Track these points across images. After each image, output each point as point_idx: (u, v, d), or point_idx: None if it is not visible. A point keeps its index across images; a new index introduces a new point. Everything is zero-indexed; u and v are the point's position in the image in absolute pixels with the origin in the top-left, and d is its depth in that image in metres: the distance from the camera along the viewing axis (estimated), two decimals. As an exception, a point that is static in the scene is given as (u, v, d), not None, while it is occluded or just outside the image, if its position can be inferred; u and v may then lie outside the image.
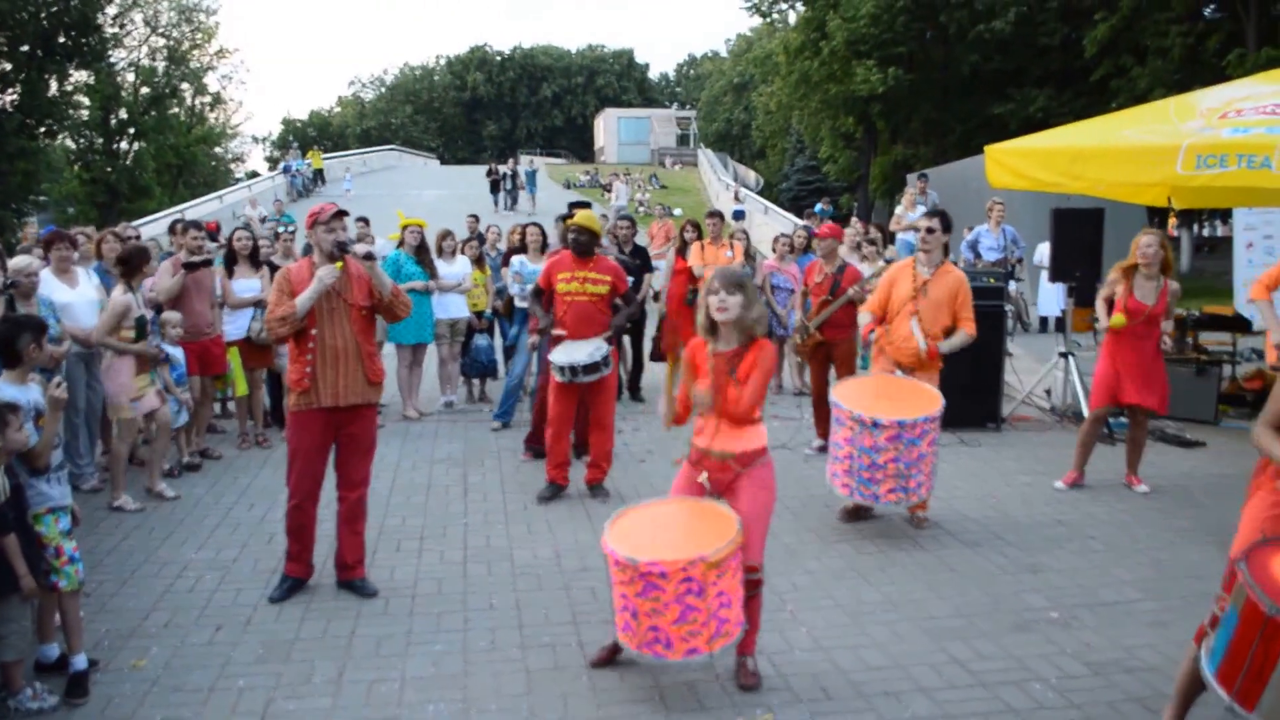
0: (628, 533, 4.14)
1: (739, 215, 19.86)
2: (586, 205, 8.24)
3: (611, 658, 4.45)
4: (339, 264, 5.08)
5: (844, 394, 6.16)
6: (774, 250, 11.03)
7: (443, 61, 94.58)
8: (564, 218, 8.65)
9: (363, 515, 5.41)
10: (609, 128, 69.22)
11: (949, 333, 6.51)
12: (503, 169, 36.42)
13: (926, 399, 6.07)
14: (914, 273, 6.55)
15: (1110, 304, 7.17)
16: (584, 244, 6.97)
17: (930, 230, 6.52)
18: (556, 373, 6.80)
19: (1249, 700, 3.00)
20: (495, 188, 34.72)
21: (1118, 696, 4.15)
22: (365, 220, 12.83)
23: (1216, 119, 7.78)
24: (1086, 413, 7.68)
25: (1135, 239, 7.16)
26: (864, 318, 6.83)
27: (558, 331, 6.98)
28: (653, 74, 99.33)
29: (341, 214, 5.23)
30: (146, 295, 7.16)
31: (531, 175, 36.66)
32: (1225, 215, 17.00)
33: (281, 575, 5.37)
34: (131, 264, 6.84)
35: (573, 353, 6.81)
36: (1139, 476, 7.31)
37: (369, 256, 5.16)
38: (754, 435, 4.30)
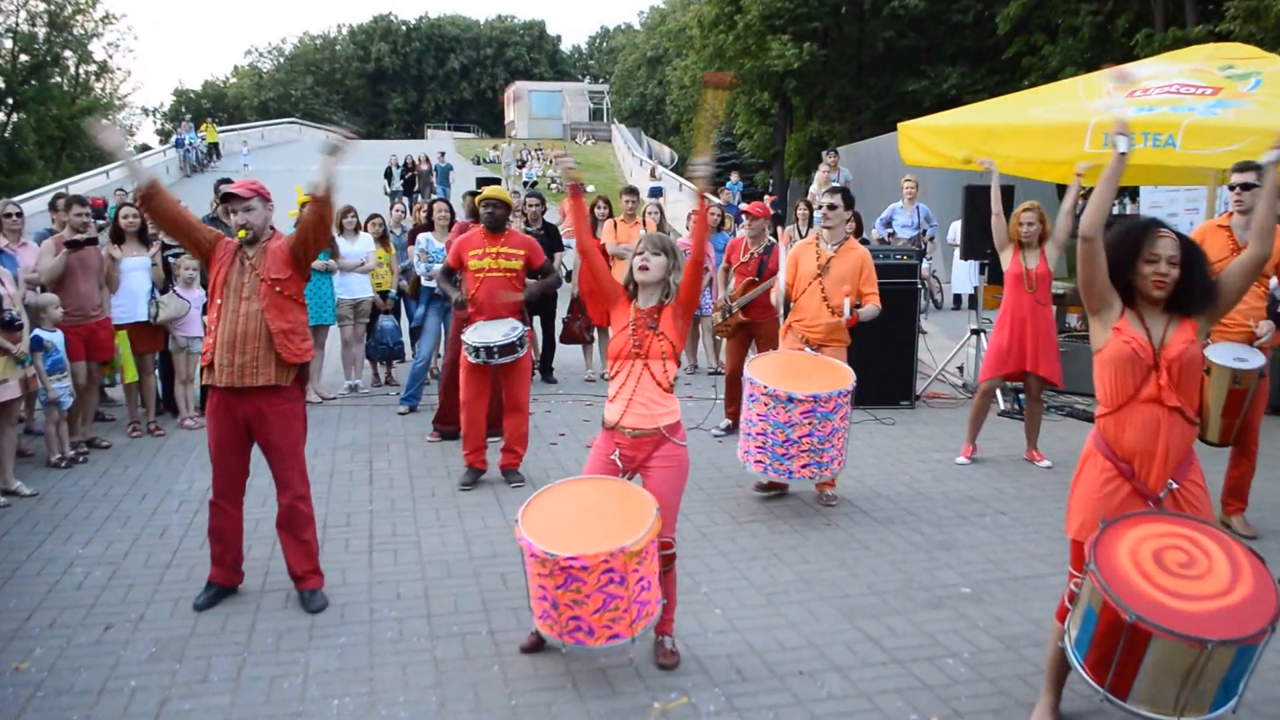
0: (543, 520, 3.98)
1: (656, 192, 19.78)
2: (496, 182, 8.06)
3: (542, 644, 4.34)
4: (241, 232, 4.65)
5: (758, 370, 6.10)
6: (688, 228, 10.96)
7: (345, 31, 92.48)
8: (472, 194, 8.45)
9: (303, 522, 4.88)
10: (520, 101, 68.28)
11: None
12: (414, 160, 32.73)
13: (838, 374, 6.07)
14: (817, 249, 6.55)
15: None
16: (497, 218, 6.79)
17: (832, 207, 6.51)
18: (470, 354, 6.61)
19: (1122, 691, 3.07)
20: (389, 175, 31.66)
21: (1029, 670, 4.18)
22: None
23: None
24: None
25: (1015, 213, 7.23)
26: (778, 297, 6.80)
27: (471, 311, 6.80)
28: (564, 46, 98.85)
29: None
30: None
31: (444, 172, 32.53)
32: (1134, 193, 17.40)
33: (206, 581, 4.97)
34: None
35: (487, 333, 6.62)
36: (1040, 451, 7.41)
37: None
38: (667, 410, 4.21)
